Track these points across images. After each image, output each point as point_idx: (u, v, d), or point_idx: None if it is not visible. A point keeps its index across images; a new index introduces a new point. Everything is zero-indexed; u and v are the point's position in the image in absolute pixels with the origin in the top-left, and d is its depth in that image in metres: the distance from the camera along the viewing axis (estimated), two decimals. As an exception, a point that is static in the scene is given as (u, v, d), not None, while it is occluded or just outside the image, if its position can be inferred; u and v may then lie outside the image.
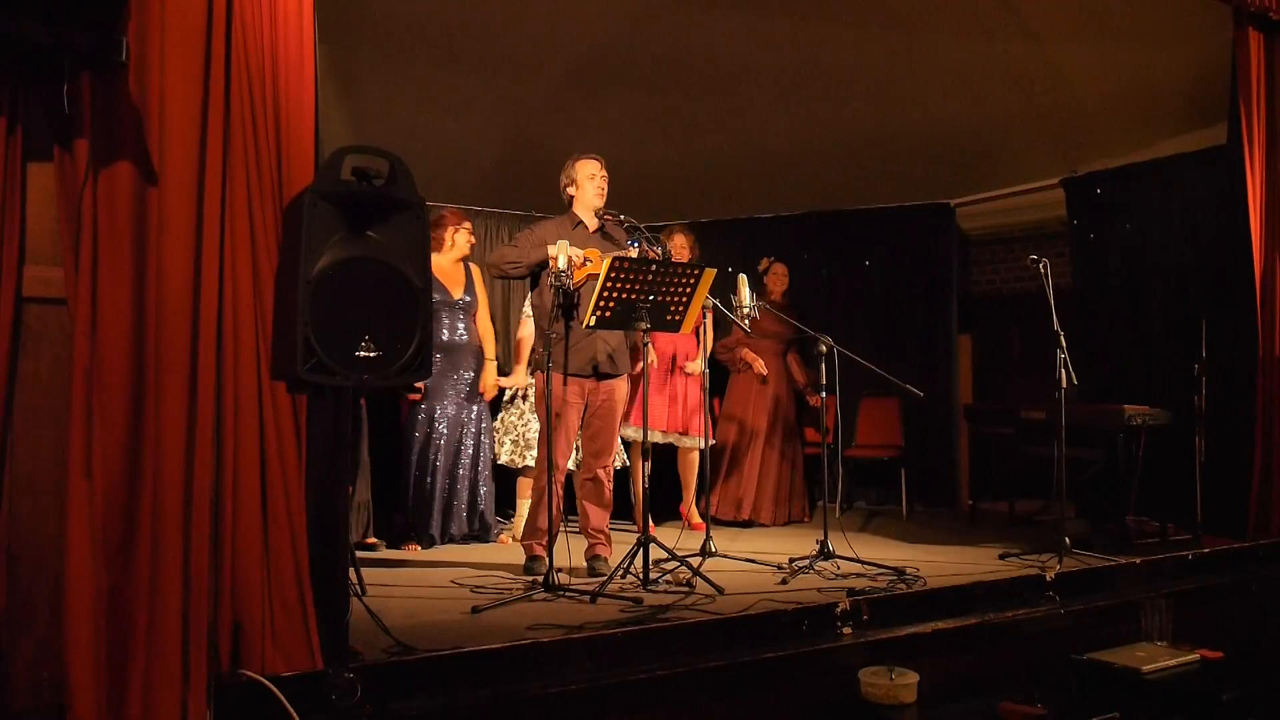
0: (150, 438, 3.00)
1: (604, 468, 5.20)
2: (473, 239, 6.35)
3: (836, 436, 6.52)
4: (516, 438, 6.46)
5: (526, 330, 6.46)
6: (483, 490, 6.24)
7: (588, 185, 5.19)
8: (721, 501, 7.15)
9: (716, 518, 7.11)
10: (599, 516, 5.20)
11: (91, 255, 2.95)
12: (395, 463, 6.14)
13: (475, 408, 6.24)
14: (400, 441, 6.16)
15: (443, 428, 6.10)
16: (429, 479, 6.06)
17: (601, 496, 5.21)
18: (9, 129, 2.91)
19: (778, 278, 7.36)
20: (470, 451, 6.19)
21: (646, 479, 4.94)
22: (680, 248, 6.67)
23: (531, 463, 6.33)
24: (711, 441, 6.97)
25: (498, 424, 6.52)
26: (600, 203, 5.20)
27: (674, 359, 6.86)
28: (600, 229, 5.26)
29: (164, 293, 3.05)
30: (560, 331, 4.89)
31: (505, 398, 6.64)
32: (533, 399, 6.48)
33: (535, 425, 6.35)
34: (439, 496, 6.08)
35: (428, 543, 6.04)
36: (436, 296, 6.07)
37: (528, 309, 6.47)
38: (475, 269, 6.39)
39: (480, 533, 6.24)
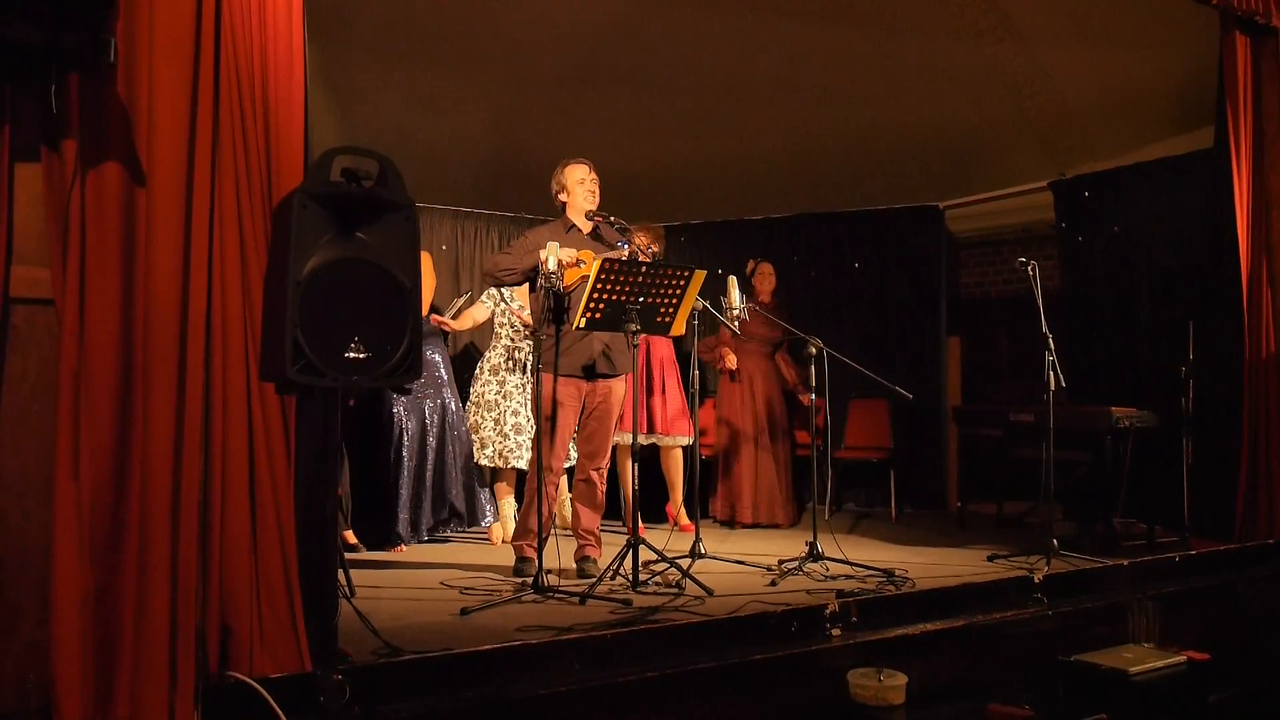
0: (138, 439, 2.99)
1: (598, 469, 5.20)
2: None
3: (826, 438, 6.53)
4: (485, 435, 6.45)
5: (481, 314, 6.56)
6: (451, 479, 6.22)
7: (578, 190, 5.20)
8: (715, 502, 7.18)
9: (714, 518, 7.16)
10: (590, 518, 5.20)
11: (79, 256, 2.94)
12: (369, 460, 6.13)
13: (441, 398, 6.22)
14: (375, 436, 6.15)
15: (409, 422, 6.09)
16: (400, 477, 6.06)
17: (594, 498, 5.21)
18: (-4, 129, 2.90)
19: (765, 278, 7.35)
20: (436, 442, 6.18)
21: (635, 480, 4.95)
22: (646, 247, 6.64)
23: (518, 464, 6.32)
24: (694, 439, 6.99)
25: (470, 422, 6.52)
26: (592, 206, 5.22)
27: (661, 362, 6.87)
28: (594, 231, 5.27)
29: (152, 294, 3.04)
30: (552, 334, 4.89)
31: (472, 398, 6.61)
32: (503, 415, 6.48)
33: (509, 415, 6.37)
34: (408, 493, 6.08)
35: (395, 541, 6.02)
36: None
37: (485, 297, 6.62)
38: (425, 256, 6.36)
39: (469, 519, 6.25)
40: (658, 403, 6.83)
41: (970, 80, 6.98)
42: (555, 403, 4.97)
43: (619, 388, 5.25)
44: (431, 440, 6.18)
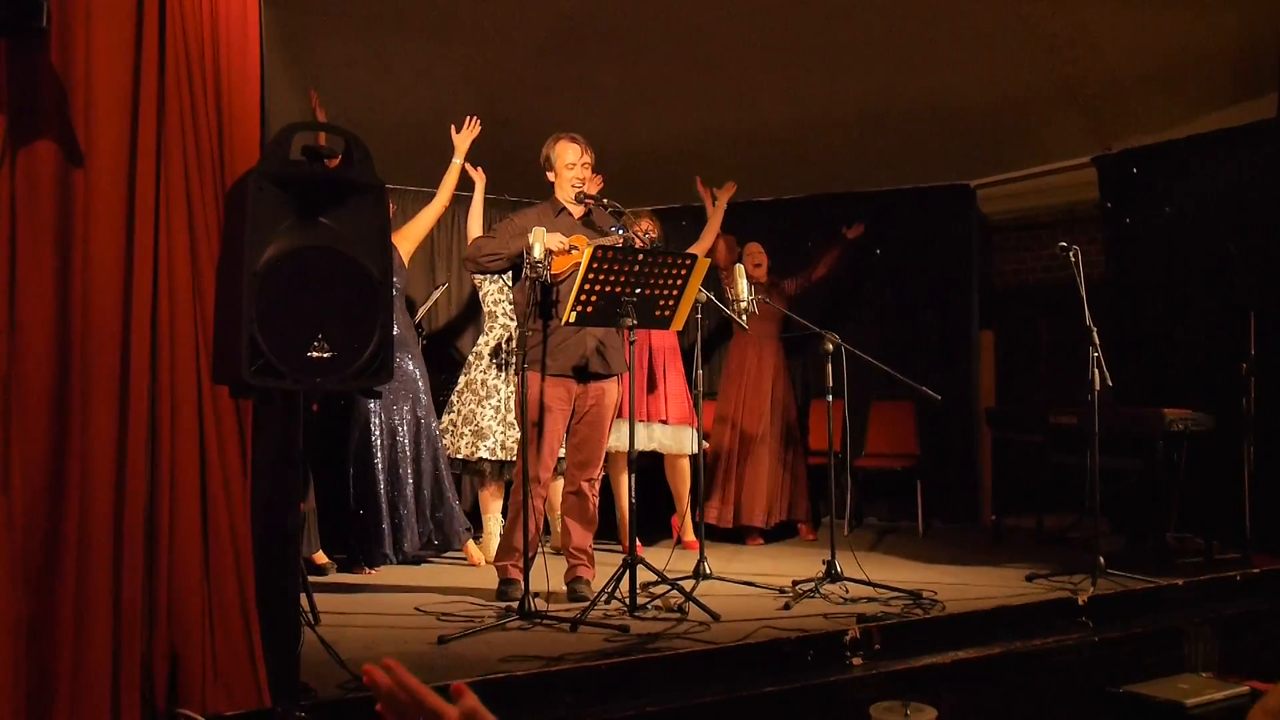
0: (76, 450, 2.99)
1: (589, 480, 5.21)
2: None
3: (844, 445, 6.53)
4: (476, 427, 6.43)
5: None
6: (427, 494, 6.18)
7: (565, 174, 5.21)
8: (715, 509, 7.22)
9: (711, 524, 7.17)
10: (582, 535, 5.20)
11: (9, 245, 2.94)
12: (338, 473, 6.12)
13: (418, 405, 6.20)
14: (346, 445, 6.13)
15: (379, 434, 6.05)
16: (373, 492, 6.03)
17: (586, 513, 5.21)
18: (-85, 103, 2.90)
19: (754, 256, 7.40)
20: (413, 454, 6.15)
21: (633, 492, 4.94)
22: (640, 233, 6.66)
23: (485, 454, 6.33)
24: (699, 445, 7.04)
25: (447, 421, 6.49)
26: (571, 196, 5.21)
27: (663, 351, 6.87)
28: (586, 215, 5.27)
29: (91, 288, 3.04)
30: (539, 329, 4.89)
31: (461, 385, 6.62)
32: (504, 402, 6.48)
33: (488, 413, 6.37)
34: (385, 511, 6.02)
35: (380, 562, 6.01)
36: None
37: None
38: (396, 242, 6.34)
39: (441, 544, 6.22)
40: (659, 393, 6.82)
41: (1004, 44, 6.97)
42: (543, 407, 4.96)
43: (613, 390, 5.26)
44: (408, 452, 6.14)
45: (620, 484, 6.72)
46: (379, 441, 6.02)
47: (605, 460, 6.74)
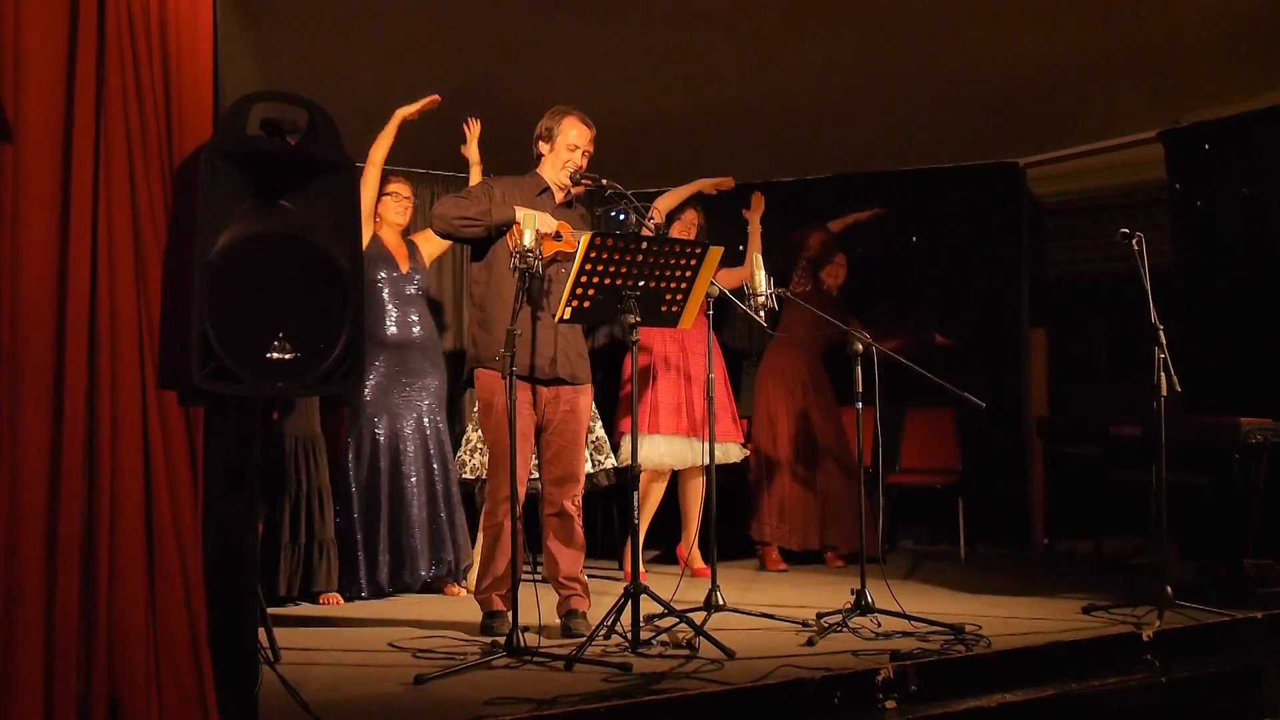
0: (3, 466, 2.98)
1: (572, 499, 5.19)
2: (406, 203, 6.36)
3: (876, 458, 6.52)
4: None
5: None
6: (444, 524, 6.21)
7: (563, 154, 5.19)
8: (758, 524, 7.28)
9: (764, 540, 7.26)
10: (571, 561, 5.18)
11: (-72, 232, 2.94)
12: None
13: (435, 425, 6.25)
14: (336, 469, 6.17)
15: (395, 450, 6.10)
16: (373, 514, 6.06)
17: (572, 536, 5.19)
18: None
19: (838, 269, 7.43)
20: (425, 479, 6.17)
21: (636, 512, 4.94)
22: (688, 224, 6.72)
23: (469, 475, 6.38)
24: (739, 459, 7.04)
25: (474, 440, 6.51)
26: (562, 179, 5.21)
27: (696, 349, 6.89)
28: (567, 201, 5.28)
29: (21, 280, 3.04)
30: (525, 326, 4.88)
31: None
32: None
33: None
34: (385, 535, 6.06)
35: (373, 592, 6.06)
36: (381, 274, 6.09)
37: None
38: (419, 241, 6.42)
39: (443, 578, 6.23)
40: (691, 407, 6.83)
41: (1058, 3, 6.97)
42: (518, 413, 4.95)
43: (584, 400, 5.27)
44: (421, 475, 6.18)
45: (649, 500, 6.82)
46: (394, 461, 6.11)
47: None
